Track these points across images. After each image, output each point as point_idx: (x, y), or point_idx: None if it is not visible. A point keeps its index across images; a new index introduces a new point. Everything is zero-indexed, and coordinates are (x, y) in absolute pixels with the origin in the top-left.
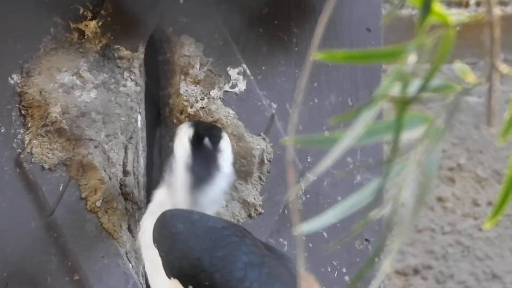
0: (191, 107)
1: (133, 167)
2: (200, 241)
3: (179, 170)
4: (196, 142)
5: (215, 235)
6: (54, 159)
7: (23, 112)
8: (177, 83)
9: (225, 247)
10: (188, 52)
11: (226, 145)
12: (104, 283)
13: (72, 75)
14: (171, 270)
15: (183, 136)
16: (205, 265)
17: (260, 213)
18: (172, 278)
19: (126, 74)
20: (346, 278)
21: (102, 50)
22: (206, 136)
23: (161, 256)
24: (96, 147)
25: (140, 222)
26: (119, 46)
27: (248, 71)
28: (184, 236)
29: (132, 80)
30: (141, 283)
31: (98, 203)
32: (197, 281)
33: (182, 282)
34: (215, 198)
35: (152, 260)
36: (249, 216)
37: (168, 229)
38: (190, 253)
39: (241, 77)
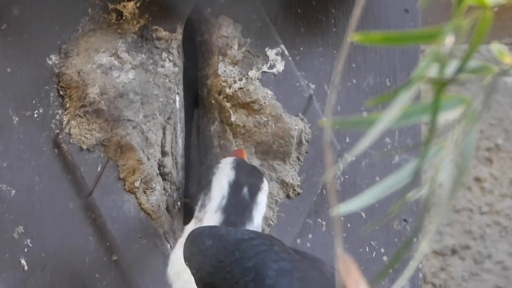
0: (229, 88)
1: (172, 147)
2: (230, 254)
3: (212, 208)
4: (235, 188)
5: (244, 246)
6: (92, 140)
7: (61, 92)
8: (215, 64)
9: (254, 256)
10: (226, 33)
11: (263, 198)
12: (142, 263)
13: (110, 56)
14: (204, 286)
15: (223, 178)
16: (236, 277)
17: (298, 194)
18: None
19: (164, 55)
20: (384, 258)
21: (140, 31)
22: (246, 186)
23: (192, 273)
24: (134, 128)
25: (170, 257)
26: (157, 27)
27: (286, 52)
28: (213, 251)
29: (170, 61)
30: None
31: (136, 184)
32: None
33: None
34: None
35: (187, 281)
36: (287, 196)
37: (197, 246)
38: (220, 267)
39: (279, 57)
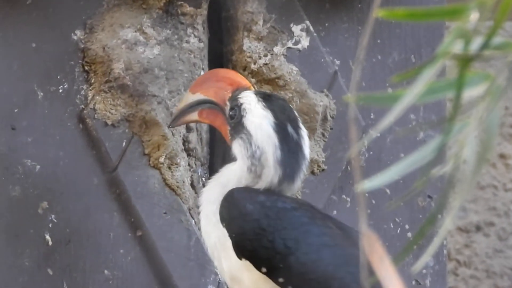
0: (254, 64)
1: (196, 123)
2: (272, 223)
3: (269, 164)
4: (281, 131)
5: (287, 216)
6: (117, 115)
7: (86, 68)
8: (240, 39)
9: (297, 228)
10: (251, 8)
11: (304, 130)
12: (167, 239)
13: (135, 31)
14: (243, 252)
15: (263, 123)
16: (279, 248)
17: (323, 170)
18: (243, 260)
19: (189, 30)
20: (409, 234)
21: (165, 7)
22: (287, 122)
23: (230, 236)
24: (159, 103)
25: (204, 190)
26: (182, 2)
27: (311, 28)
28: (255, 217)
29: (195, 36)
30: (203, 239)
31: (161, 159)
32: (270, 263)
33: (255, 264)
34: (300, 184)
35: (218, 238)
36: (312, 172)
37: (238, 209)
38: (263, 235)
39: (304, 33)
